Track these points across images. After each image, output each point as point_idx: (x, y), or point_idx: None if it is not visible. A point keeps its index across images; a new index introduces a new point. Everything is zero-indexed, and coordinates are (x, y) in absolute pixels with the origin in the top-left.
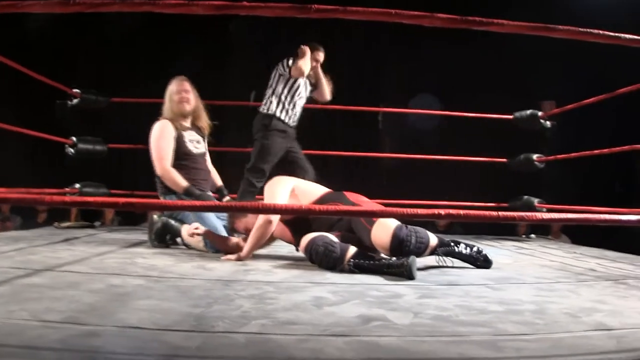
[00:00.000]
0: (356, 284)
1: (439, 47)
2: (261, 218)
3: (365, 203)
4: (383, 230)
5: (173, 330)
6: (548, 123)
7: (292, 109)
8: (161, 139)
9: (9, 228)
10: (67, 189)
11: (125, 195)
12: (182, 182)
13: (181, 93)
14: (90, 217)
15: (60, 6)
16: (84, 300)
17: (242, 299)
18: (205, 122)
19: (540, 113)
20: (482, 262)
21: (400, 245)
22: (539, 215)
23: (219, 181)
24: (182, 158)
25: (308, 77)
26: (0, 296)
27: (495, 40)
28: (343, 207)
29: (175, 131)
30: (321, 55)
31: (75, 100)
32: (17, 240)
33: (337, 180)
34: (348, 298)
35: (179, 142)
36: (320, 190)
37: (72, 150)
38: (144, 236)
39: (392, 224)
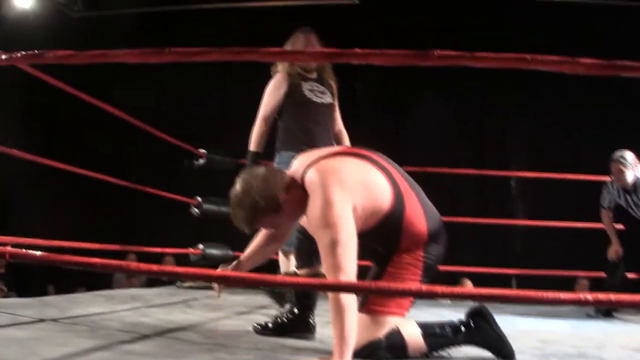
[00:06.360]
0: None
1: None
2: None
3: None
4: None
5: None
6: None
7: None
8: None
9: (135, 284)
10: (190, 250)
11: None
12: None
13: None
14: None
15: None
16: None
17: None
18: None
19: None
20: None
21: None
22: None
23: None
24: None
25: None
26: None
27: None
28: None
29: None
30: None
31: (201, 160)
32: (134, 299)
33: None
34: None
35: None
36: None
37: (197, 210)
38: (266, 299)
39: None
